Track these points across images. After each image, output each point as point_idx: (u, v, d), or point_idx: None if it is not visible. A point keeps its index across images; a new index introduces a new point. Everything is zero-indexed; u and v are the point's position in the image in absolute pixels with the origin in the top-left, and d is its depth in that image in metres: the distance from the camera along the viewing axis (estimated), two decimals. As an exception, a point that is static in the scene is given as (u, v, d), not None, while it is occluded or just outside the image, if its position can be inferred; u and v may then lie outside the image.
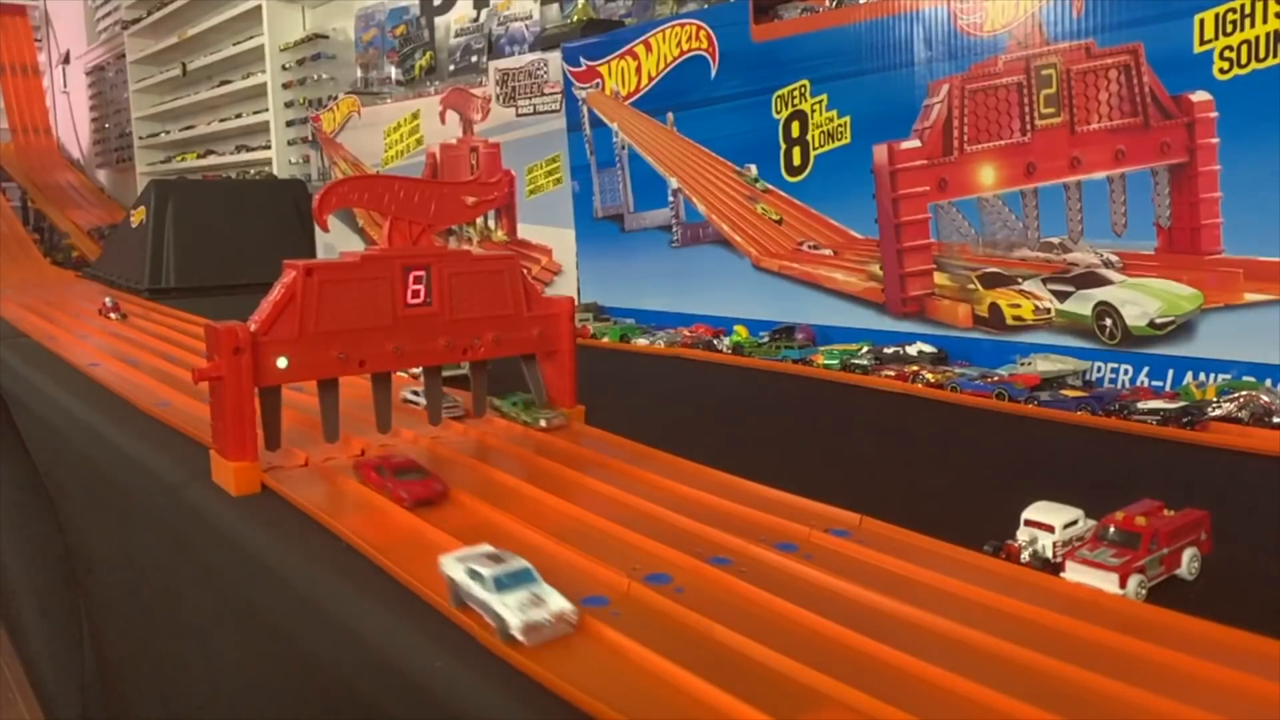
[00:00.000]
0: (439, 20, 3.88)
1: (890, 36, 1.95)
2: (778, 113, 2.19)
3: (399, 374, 1.50)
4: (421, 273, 1.28)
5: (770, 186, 2.25)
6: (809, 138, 2.14)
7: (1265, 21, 1.44)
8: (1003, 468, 1.31)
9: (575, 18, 3.00)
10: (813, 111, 2.12)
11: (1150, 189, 1.62)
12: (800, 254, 2.21)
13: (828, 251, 2.15)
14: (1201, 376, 1.57)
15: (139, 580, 1.47)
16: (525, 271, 1.42)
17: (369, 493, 1.13)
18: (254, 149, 5.33)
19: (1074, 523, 0.90)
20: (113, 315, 2.97)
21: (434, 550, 0.95)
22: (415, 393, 1.52)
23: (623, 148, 2.64)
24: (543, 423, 1.37)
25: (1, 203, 6.31)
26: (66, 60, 8.24)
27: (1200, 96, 1.54)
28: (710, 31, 2.33)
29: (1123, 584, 0.81)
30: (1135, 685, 0.65)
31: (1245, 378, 1.50)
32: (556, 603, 0.76)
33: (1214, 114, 1.52)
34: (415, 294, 1.28)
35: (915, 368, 1.74)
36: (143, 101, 6.70)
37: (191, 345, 2.30)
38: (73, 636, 2.12)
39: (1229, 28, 1.48)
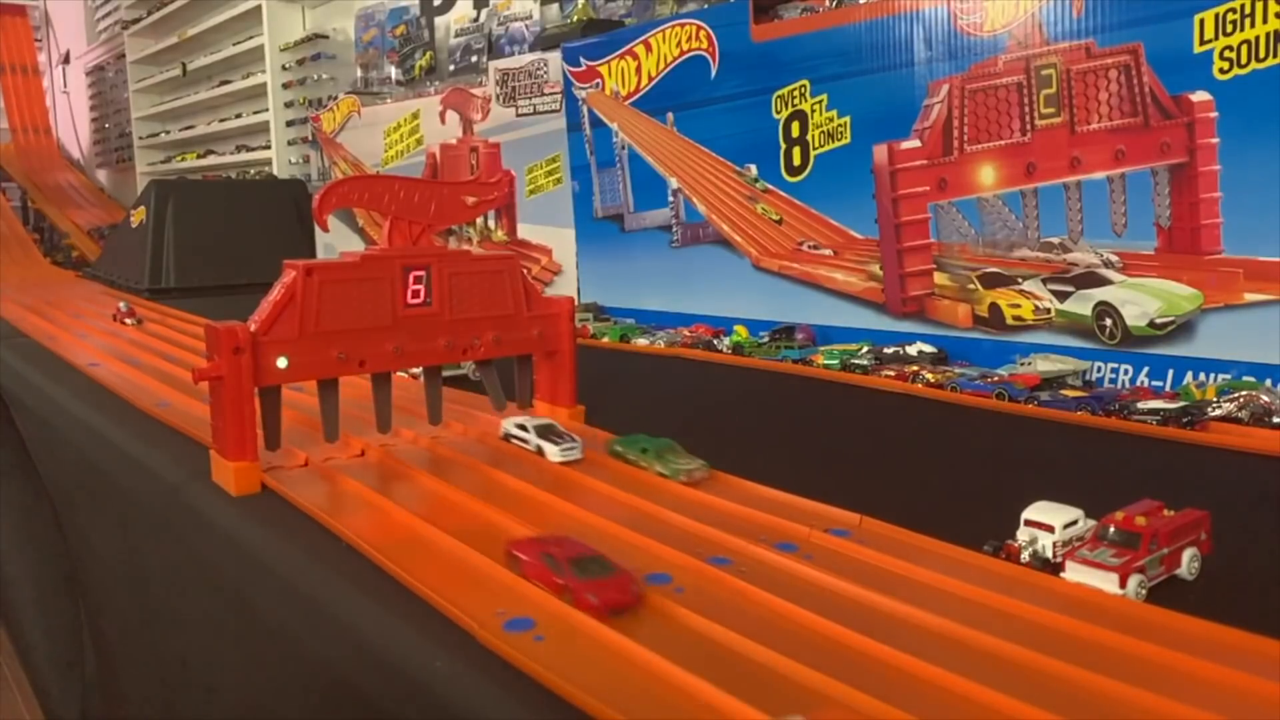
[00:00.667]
0: (439, 20, 3.88)
1: (890, 36, 1.95)
2: (778, 113, 2.19)
3: (400, 375, 1.49)
4: (421, 273, 1.28)
5: (770, 186, 2.25)
6: (809, 138, 2.14)
7: (1265, 21, 1.44)
8: (1003, 468, 1.31)
9: (575, 18, 3.00)
10: (813, 111, 2.12)
11: (1150, 189, 1.62)
12: (800, 254, 2.21)
13: (828, 251, 2.15)
14: (1201, 376, 1.57)
15: (139, 580, 1.47)
16: (525, 271, 1.42)
17: (369, 492, 1.13)
18: (254, 149, 5.33)
19: (1074, 523, 0.90)
20: (128, 321, 2.72)
21: (435, 550, 0.96)
22: (521, 426, 1.33)
23: (623, 148, 2.64)
24: (683, 477, 1.16)
25: (1, 203, 6.31)
26: (66, 60, 8.24)
27: (1200, 96, 1.54)
28: (710, 31, 2.33)
29: (1123, 584, 0.81)
30: (1135, 685, 0.65)
31: (1245, 378, 1.50)
32: None
33: (1214, 114, 1.52)
34: (415, 294, 1.28)
35: (915, 368, 1.74)
36: (143, 101, 6.71)
37: (191, 345, 2.30)
38: (73, 636, 2.12)
39: (1229, 28, 1.48)
